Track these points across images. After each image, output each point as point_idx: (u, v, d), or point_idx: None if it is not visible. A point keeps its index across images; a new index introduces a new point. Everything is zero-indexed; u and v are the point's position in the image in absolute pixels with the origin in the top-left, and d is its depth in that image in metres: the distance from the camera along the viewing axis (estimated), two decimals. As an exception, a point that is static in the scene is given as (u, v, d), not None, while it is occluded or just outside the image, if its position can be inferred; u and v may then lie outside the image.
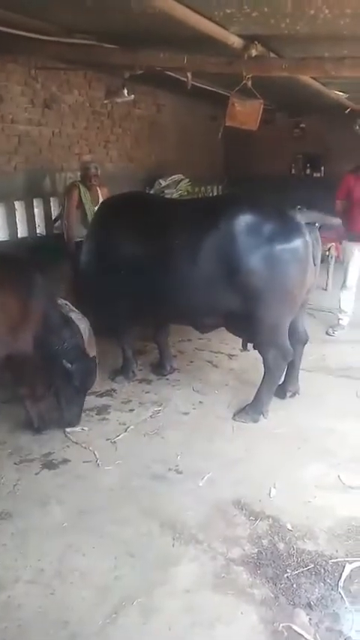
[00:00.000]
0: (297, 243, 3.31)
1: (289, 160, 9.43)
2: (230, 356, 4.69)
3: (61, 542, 2.51)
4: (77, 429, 3.49)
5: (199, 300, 3.48)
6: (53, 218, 5.56)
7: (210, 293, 3.42)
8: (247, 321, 3.46)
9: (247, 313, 3.39)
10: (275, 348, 3.51)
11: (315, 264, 3.49)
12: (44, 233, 5.58)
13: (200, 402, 3.91)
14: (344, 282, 5.33)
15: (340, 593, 2.22)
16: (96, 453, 3.23)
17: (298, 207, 3.41)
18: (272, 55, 3.89)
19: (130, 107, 6.68)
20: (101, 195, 4.95)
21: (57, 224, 5.47)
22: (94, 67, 5.38)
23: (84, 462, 3.16)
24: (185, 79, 4.06)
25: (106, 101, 5.60)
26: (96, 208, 4.79)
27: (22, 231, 5.30)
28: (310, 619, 2.10)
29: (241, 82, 3.80)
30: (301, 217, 3.44)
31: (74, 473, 3.06)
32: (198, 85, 5.22)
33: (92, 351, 3.42)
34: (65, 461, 3.17)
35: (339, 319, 5.41)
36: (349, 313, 5.38)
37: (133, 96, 4.70)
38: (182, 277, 3.47)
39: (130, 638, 2.04)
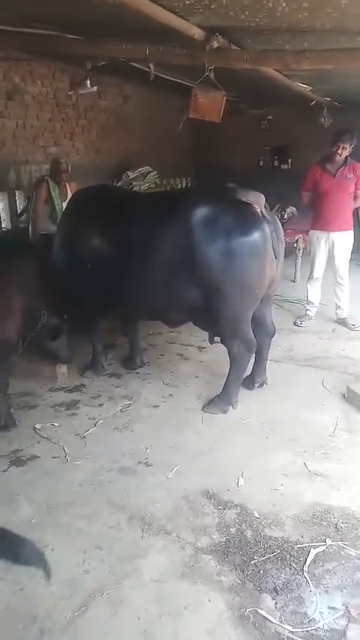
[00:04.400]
0: (255, 236, 3.27)
1: (257, 152, 9.46)
2: (200, 348, 4.72)
3: (30, 538, 2.49)
4: (47, 424, 3.48)
5: (163, 294, 3.48)
6: (19, 212, 5.47)
7: (173, 288, 3.42)
8: (210, 315, 3.48)
9: (209, 307, 3.40)
10: (239, 340, 3.53)
11: (276, 257, 3.47)
12: (10, 227, 5.49)
13: (170, 394, 3.93)
14: (311, 273, 5.41)
15: (305, 577, 2.27)
16: (65, 448, 3.22)
17: (231, 184, 3.36)
18: (234, 47, 3.89)
19: (96, 98, 6.60)
20: (70, 191, 4.89)
21: (22, 218, 5.39)
22: (58, 57, 5.30)
23: (53, 457, 3.15)
24: (148, 70, 4.04)
25: (70, 92, 5.51)
26: (65, 204, 4.75)
27: (-14, 225, 5.22)
28: (275, 603, 2.15)
29: (204, 73, 3.80)
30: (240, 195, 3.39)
31: (43, 469, 3.04)
32: (163, 76, 5.20)
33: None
34: (34, 457, 3.15)
35: (307, 310, 5.49)
36: (317, 304, 5.47)
37: (96, 87, 4.65)
38: (145, 272, 3.46)
39: (98, 630, 2.05)
